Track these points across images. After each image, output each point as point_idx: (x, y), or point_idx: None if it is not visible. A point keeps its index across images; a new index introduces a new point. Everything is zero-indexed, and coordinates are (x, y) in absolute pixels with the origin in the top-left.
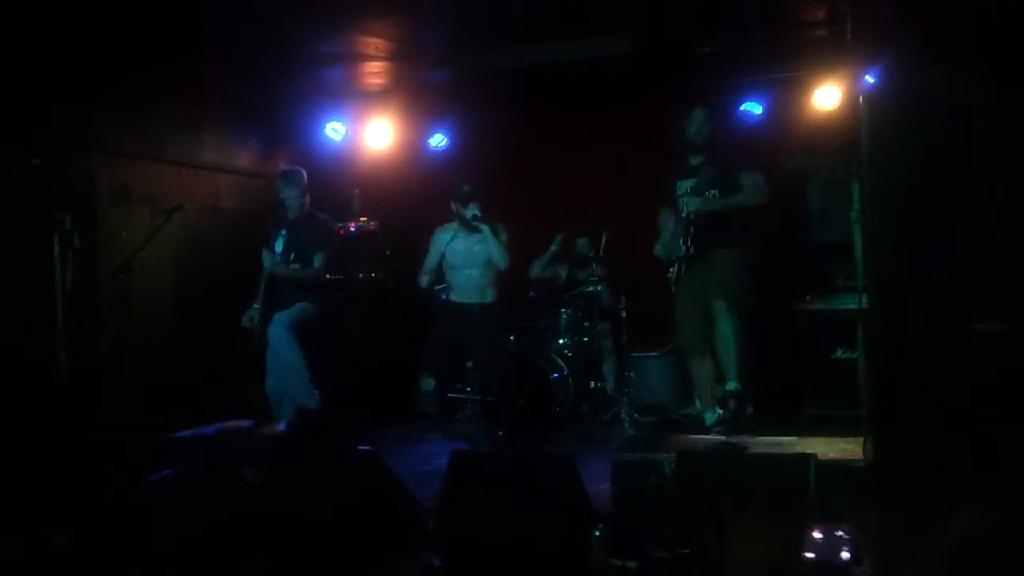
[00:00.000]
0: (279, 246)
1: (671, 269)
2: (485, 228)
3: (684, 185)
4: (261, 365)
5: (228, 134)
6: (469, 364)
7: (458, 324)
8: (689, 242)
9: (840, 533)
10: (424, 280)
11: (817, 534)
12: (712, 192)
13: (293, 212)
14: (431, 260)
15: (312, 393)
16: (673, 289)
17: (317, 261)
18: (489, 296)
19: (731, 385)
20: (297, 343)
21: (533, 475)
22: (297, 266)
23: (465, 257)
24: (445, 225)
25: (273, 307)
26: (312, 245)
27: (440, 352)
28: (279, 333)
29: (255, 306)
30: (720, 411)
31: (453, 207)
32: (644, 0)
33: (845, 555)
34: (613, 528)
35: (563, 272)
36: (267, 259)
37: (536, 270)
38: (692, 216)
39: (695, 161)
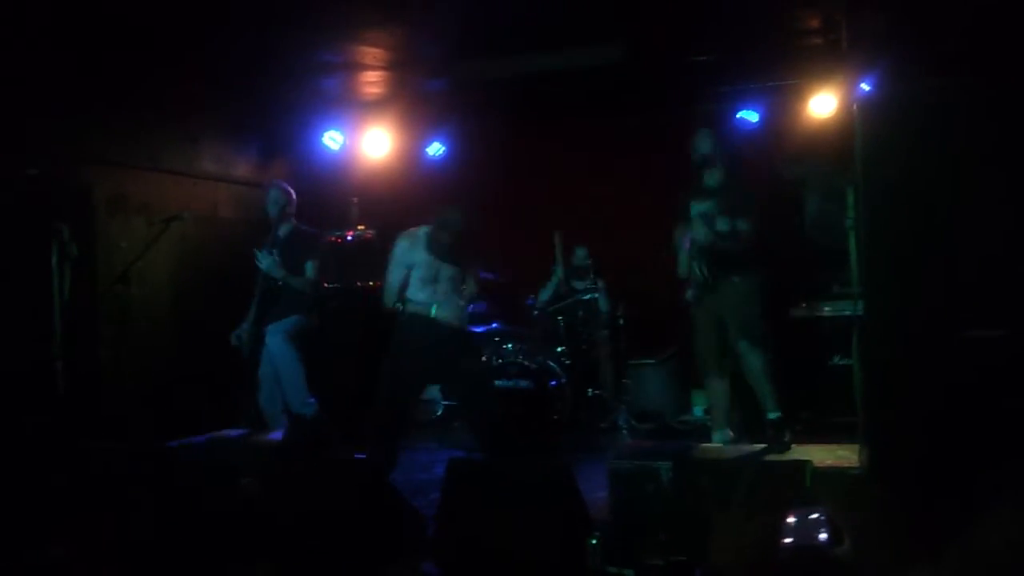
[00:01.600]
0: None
1: (689, 290)
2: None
3: (697, 208)
4: (253, 381)
5: (226, 144)
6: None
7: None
8: (705, 271)
9: (815, 515)
10: None
11: (792, 519)
12: (724, 221)
13: (274, 216)
14: None
15: (308, 402)
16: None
17: (309, 271)
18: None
19: (770, 415)
20: (293, 351)
21: (530, 483)
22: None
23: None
24: None
25: (264, 321)
26: (301, 257)
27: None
28: (275, 342)
29: (244, 325)
30: (731, 433)
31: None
32: (640, 9)
33: (823, 536)
34: (610, 536)
35: (555, 284)
36: (263, 259)
37: (541, 305)
38: (704, 244)
39: (710, 182)
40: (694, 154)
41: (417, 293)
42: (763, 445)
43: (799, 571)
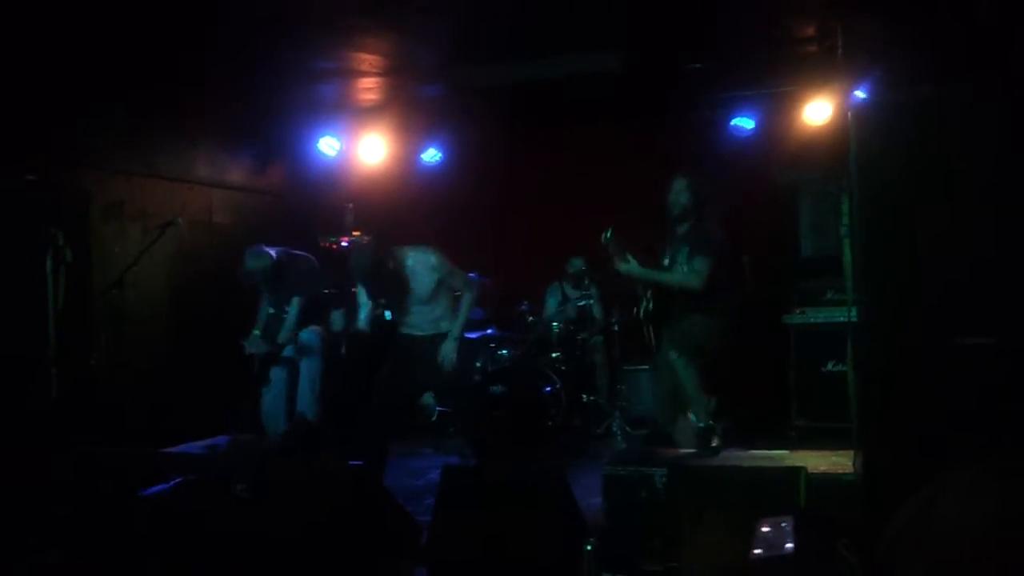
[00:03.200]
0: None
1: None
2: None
3: (668, 256)
4: (260, 379)
5: (221, 149)
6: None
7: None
8: (648, 315)
9: (785, 524)
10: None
11: (765, 528)
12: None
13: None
14: None
15: (315, 407)
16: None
17: (293, 308)
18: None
19: (701, 423)
20: (321, 354)
21: (525, 489)
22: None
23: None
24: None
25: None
26: (292, 289)
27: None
28: (312, 340)
29: (255, 332)
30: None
31: None
32: (636, 17)
33: (788, 546)
34: (605, 542)
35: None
36: (252, 344)
37: (552, 317)
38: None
39: (679, 231)
40: (671, 204)
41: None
42: (758, 450)
43: None
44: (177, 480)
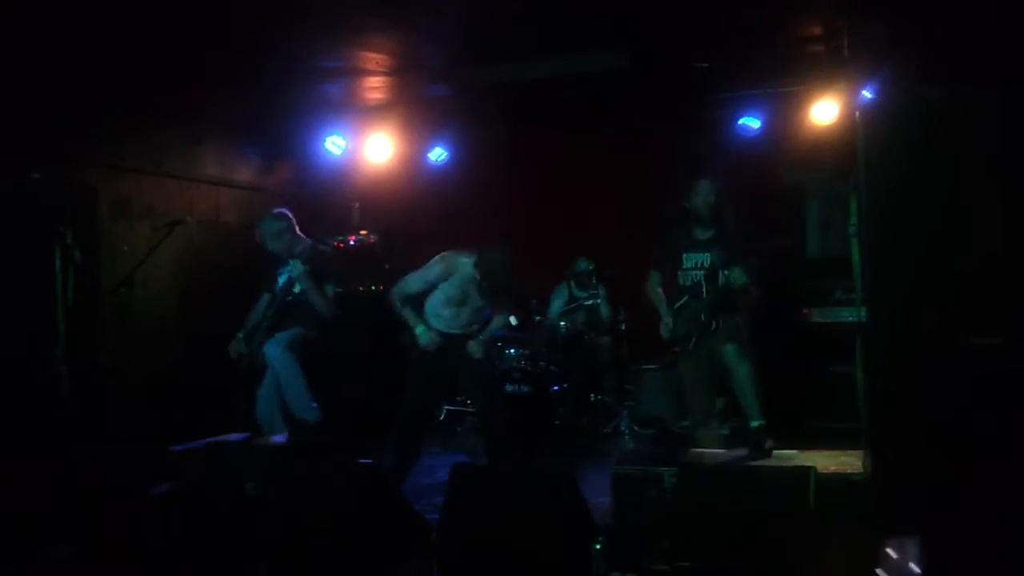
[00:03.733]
0: (282, 279)
1: (688, 342)
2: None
3: (695, 259)
4: (253, 387)
5: (229, 148)
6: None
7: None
8: (711, 319)
9: (910, 548)
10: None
11: (891, 551)
12: (722, 274)
13: (280, 249)
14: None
15: (311, 407)
16: (680, 361)
17: (329, 292)
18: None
19: (754, 423)
20: (293, 360)
21: (534, 488)
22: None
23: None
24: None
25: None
26: (322, 278)
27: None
28: (275, 352)
29: (239, 335)
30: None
31: None
32: (643, 16)
33: (915, 570)
34: (614, 541)
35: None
36: (296, 267)
37: (556, 318)
38: (712, 291)
39: (703, 236)
40: (700, 206)
41: (440, 308)
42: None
43: None
44: (186, 478)
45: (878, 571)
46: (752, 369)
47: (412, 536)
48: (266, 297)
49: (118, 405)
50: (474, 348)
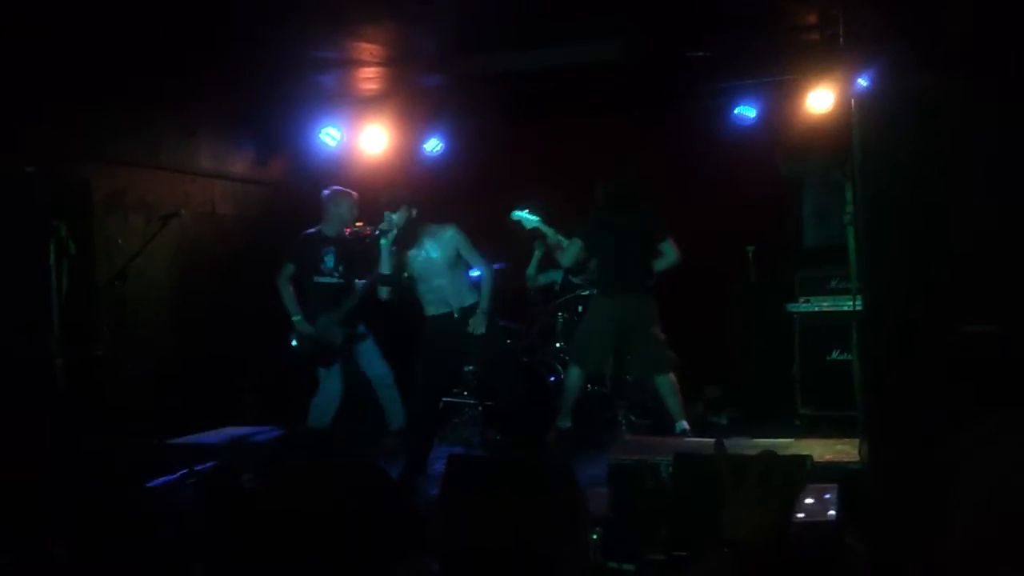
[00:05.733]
0: (330, 261)
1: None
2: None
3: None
4: (305, 376)
5: (223, 140)
6: (468, 368)
7: (447, 337)
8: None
9: (829, 495)
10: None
11: (809, 499)
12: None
13: (334, 230)
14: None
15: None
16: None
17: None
18: (469, 299)
19: (679, 428)
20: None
21: (530, 479)
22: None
23: (424, 268)
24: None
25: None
26: (364, 260)
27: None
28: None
29: (296, 318)
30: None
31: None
32: (637, 5)
33: (832, 514)
34: (610, 531)
35: (558, 278)
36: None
37: (532, 280)
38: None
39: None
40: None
41: (420, 294)
42: (763, 439)
43: (808, 548)
44: (183, 471)
45: (797, 515)
46: (672, 379)
47: (408, 528)
48: (319, 280)
49: (114, 397)
50: (476, 324)
